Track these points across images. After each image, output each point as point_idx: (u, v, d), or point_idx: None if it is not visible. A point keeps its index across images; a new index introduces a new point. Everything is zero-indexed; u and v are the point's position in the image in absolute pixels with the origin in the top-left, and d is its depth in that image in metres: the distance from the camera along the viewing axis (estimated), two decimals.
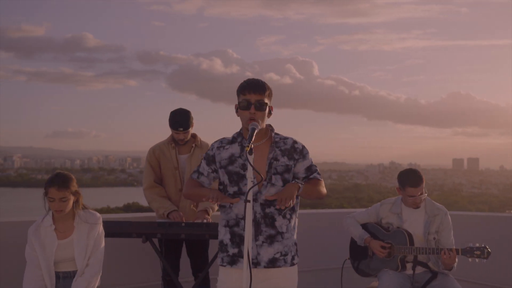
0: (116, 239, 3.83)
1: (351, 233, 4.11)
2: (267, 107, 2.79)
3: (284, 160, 2.83)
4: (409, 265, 3.83)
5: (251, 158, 2.54)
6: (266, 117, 2.80)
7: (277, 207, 2.69)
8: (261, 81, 2.81)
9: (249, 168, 2.53)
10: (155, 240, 4.01)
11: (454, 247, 3.75)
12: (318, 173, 2.94)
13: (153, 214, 4.36)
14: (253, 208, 2.71)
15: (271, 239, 2.77)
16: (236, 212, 2.77)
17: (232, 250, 2.77)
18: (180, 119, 4.10)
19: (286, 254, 2.80)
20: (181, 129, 4.08)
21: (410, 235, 3.81)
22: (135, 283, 4.36)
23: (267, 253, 2.75)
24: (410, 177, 3.82)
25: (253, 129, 2.64)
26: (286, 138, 2.90)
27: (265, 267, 2.74)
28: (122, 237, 3.79)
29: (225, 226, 2.81)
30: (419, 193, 3.79)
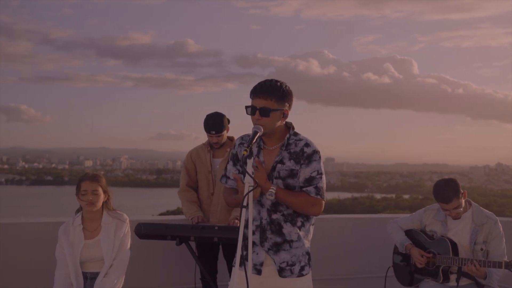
0: (153, 241, 3.91)
1: (393, 239, 3.91)
2: (277, 112, 2.58)
3: (290, 164, 2.64)
4: (452, 277, 3.57)
5: (250, 162, 2.49)
6: (277, 122, 2.61)
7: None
8: (271, 84, 2.59)
9: (246, 173, 2.47)
10: (192, 243, 4.04)
11: (505, 258, 3.46)
12: (318, 191, 2.62)
13: None
14: (259, 214, 2.66)
15: (277, 247, 2.66)
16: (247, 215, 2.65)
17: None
18: (213, 122, 4.10)
19: (293, 264, 2.67)
20: (213, 132, 4.08)
21: (454, 245, 3.55)
22: (171, 285, 4.42)
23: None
24: (439, 192, 3.52)
25: (255, 132, 2.54)
26: (300, 139, 2.68)
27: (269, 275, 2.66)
28: (157, 239, 3.84)
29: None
30: (453, 208, 3.50)
